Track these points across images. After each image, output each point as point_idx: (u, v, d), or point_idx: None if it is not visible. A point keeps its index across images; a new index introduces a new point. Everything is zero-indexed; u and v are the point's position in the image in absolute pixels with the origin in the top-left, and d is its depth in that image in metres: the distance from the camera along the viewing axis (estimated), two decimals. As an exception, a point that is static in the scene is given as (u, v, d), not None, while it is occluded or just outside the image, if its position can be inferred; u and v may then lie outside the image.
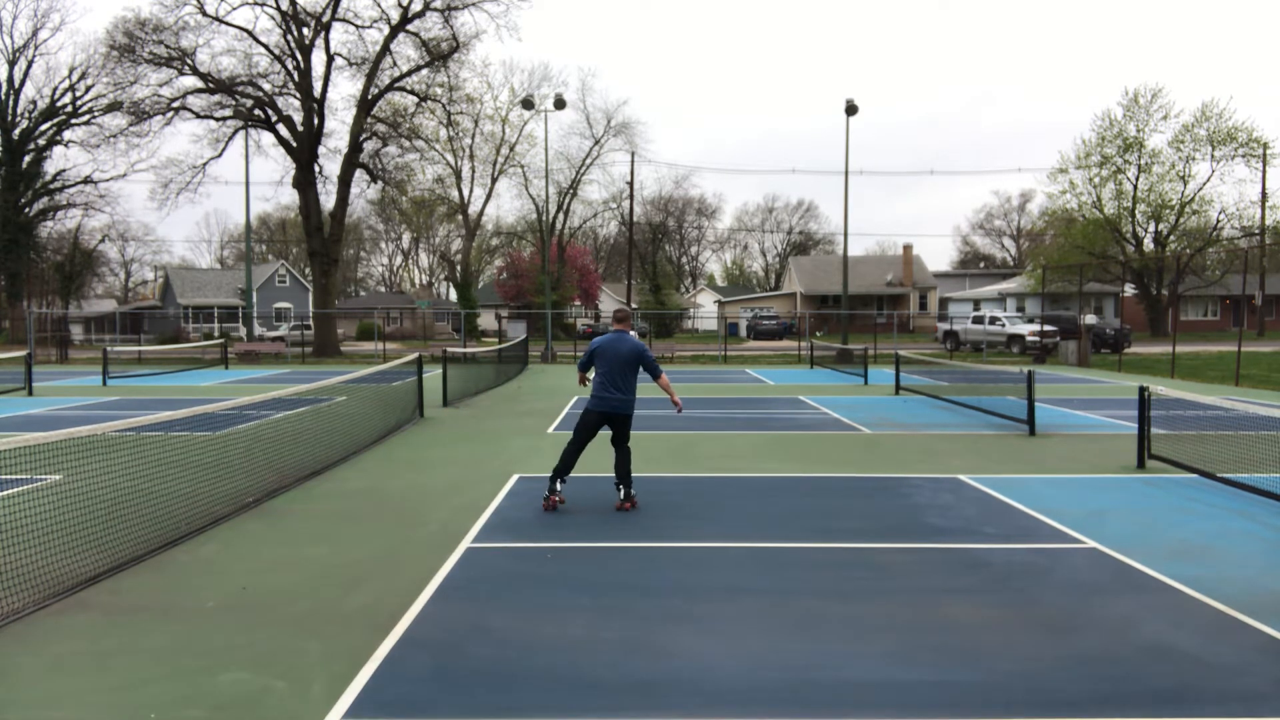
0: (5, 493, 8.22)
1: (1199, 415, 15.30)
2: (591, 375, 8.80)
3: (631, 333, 8.96)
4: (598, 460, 9.99)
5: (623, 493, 8.64)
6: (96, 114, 50.41)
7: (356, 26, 40.80)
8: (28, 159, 54.89)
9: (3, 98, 54.11)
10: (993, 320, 40.59)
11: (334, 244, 41.63)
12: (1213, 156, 50.70)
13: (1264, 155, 51.41)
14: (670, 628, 5.44)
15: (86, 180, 56.25)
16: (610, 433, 8.62)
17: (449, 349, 20.59)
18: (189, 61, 38.71)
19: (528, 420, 15.71)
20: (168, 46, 38.30)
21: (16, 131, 54.24)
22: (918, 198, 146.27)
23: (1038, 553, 7.16)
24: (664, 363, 33.45)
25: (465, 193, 59.61)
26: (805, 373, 29.19)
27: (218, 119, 40.21)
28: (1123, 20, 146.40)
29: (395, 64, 41.33)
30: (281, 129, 40.02)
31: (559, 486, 8.61)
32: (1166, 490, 9.60)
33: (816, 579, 6.45)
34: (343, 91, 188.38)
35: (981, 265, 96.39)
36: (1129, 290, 55.16)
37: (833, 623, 5.54)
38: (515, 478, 10.25)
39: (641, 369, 8.58)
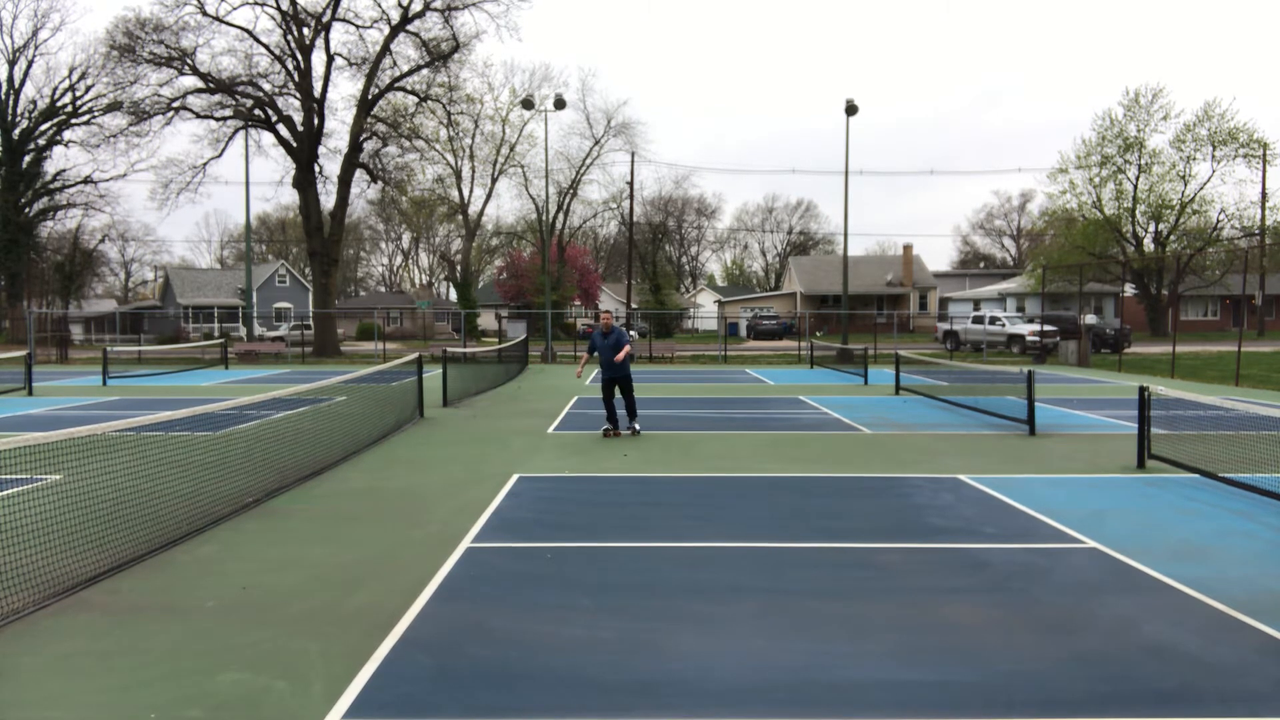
0: (5, 493, 8.22)
1: (1199, 415, 15.30)
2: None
3: (616, 324, 14.08)
4: (597, 461, 11.36)
5: (633, 425, 13.79)
6: (96, 114, 50.45)
7: (356, 26, 40.86)
8: (28, 159, 54.84)
9: (3, 98, 54.09)
10: (993, 320, 40.55)
11: (334, 244, 41.63)
12: (1213, 157, 50.66)
13: (1264, 155, 51.40)
14: (670, 628, 5.44)
15: (86, 180, 56.26)
16: (619, 391, 13.89)
17: (449, 349, 20.58)
18: (189, 61, 38.72)
19: (528, 420, 15.70)
20: (168, 46, 38.31)
21: (16, 131, 54.20)
22: (918, 198, 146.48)
23: (1038, 553, 7.16)
24: (664, 362, 35.63)
25: (465, 193, 59.76)
26: (805, 373, 29.19)
27: (218, 119, 40.22)
28: (1124, 20, 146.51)
29: (395, 64, 41.38)
30: (281, 129, 40.03)
31: (610, 425, 13.70)
32: (1166, 490, 9.60)
33: (816, 579, 6.45)
34: (343, 91, 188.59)
35: (981, 265, 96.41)
36: (1129, 290, 55.13)
37: (833, 623, 5.54)
38: (515, 478, 10.26)
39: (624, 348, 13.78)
